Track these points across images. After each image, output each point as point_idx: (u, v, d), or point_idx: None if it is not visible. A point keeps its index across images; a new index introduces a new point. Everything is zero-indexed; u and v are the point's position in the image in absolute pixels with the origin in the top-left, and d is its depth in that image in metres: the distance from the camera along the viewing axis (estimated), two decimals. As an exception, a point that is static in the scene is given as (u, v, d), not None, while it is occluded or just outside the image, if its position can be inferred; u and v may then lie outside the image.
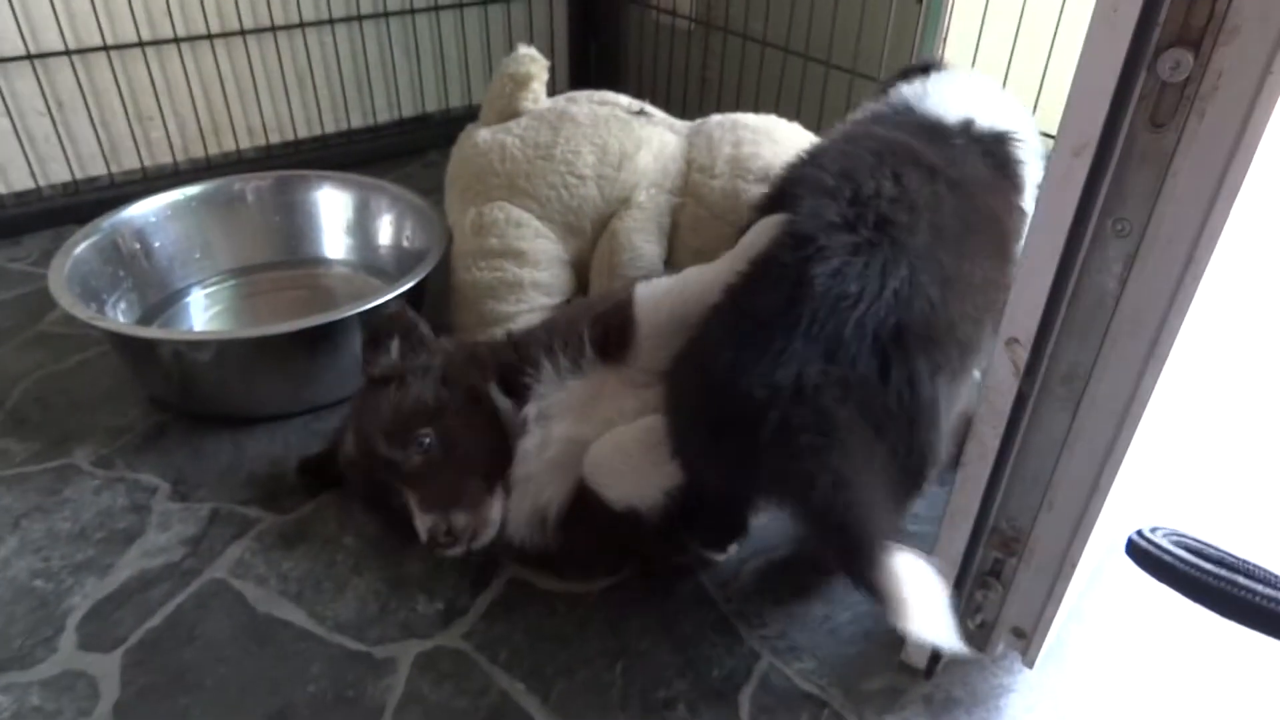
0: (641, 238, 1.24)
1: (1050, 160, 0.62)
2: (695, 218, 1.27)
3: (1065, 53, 1.29)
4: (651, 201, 1.26)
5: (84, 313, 1.16)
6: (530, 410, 0.96)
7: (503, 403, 0.98)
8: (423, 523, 0.92)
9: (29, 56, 1.62)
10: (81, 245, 1.29)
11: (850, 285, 0.76)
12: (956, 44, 1.51)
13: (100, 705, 0.86)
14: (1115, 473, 0.70)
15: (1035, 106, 1.30)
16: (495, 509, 0.94)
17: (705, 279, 0.92)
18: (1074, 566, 0.76)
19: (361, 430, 0.99)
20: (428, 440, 0.94)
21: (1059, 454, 0.72)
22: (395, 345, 1.04)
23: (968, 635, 0.84)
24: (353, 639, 0.93)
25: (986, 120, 1.06)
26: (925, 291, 0.77)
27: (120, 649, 0.92)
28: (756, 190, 1.25)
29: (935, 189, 0.87)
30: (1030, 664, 0.83)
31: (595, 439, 0.91)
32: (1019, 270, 0.67)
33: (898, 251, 0.78)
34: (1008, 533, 0.78)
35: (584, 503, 0.93)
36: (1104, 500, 0.72)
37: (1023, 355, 0.68)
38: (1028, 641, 0.82)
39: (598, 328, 0.96)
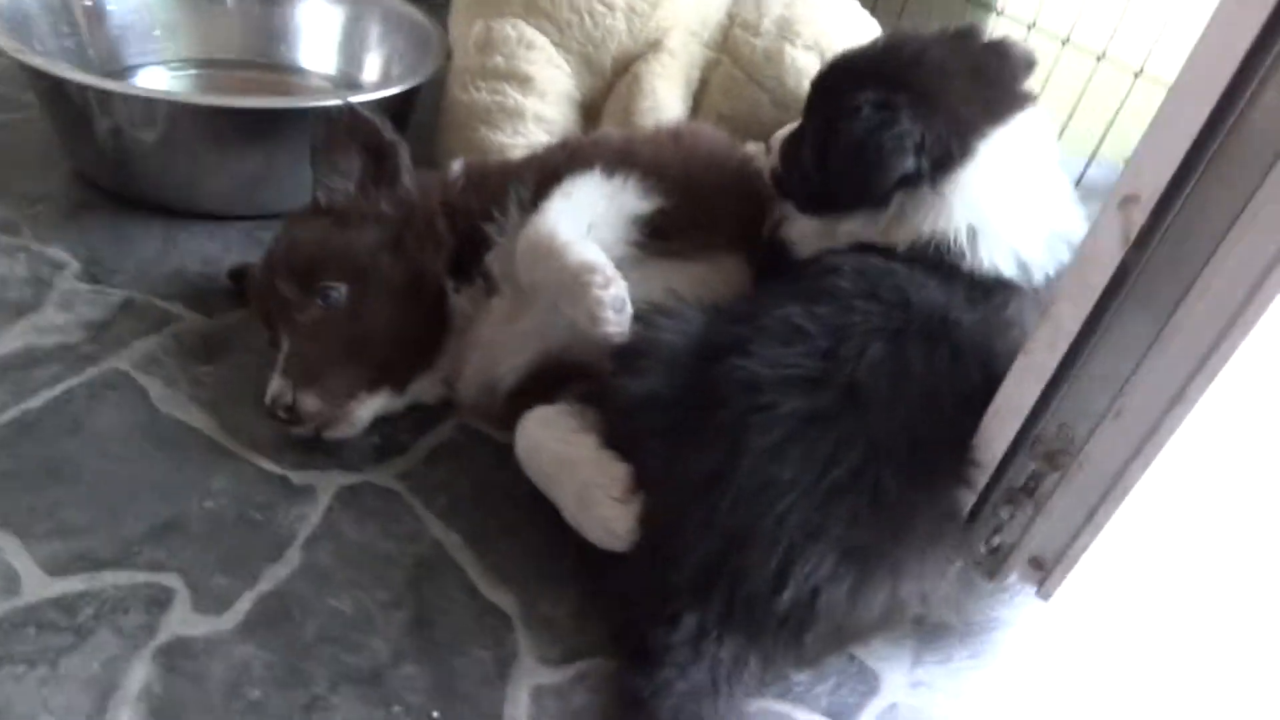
0: (666, 87, 1.09)
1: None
2: (729, 78, 1.12)
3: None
4: (684, 49, 1.11)
5: (8, 43, 0.98)
6: (493, 264, 0.82)
7: (455, 301, 0.83)
8: (271, 384, 0.78)
9: None
10: (21, -18, 1.10)
11: (784, 470, 0.62)
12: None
13: (-51, 482, 0.71)
14: (1209, 381, 0.58)
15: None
16: (366, 408, 0.80)
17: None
18: (1127, 491, 0.65)
19: (272, 252, 0.84)
20: (334, 295, 0.79)
21: (1147, 349, 0.60)
22: (358, 167, 0.85)
23: (978, 559, 0.74)
24: (268, 459, 0.79)
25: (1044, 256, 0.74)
26: (871, 489, 0.63)
27: (-14, 424, 0.77)
28: (804, 58, 1.11)
29: (939, 356, 0.67)
30: (1047, 597, 0.72)
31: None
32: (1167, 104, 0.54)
33: (856, 430, 0.64)
34: (1055, 443, 0.67)
35: (540, 379, 0.80)
36: (1185, 414, 0.60)
37: (1139, 218, 0.56)
38: (1046, 573, 0.72)
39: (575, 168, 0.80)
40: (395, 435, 0.84)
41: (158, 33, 1.27)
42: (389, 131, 0.85)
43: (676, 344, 0.70)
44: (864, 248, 0.76)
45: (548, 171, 0.81)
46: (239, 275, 0.95)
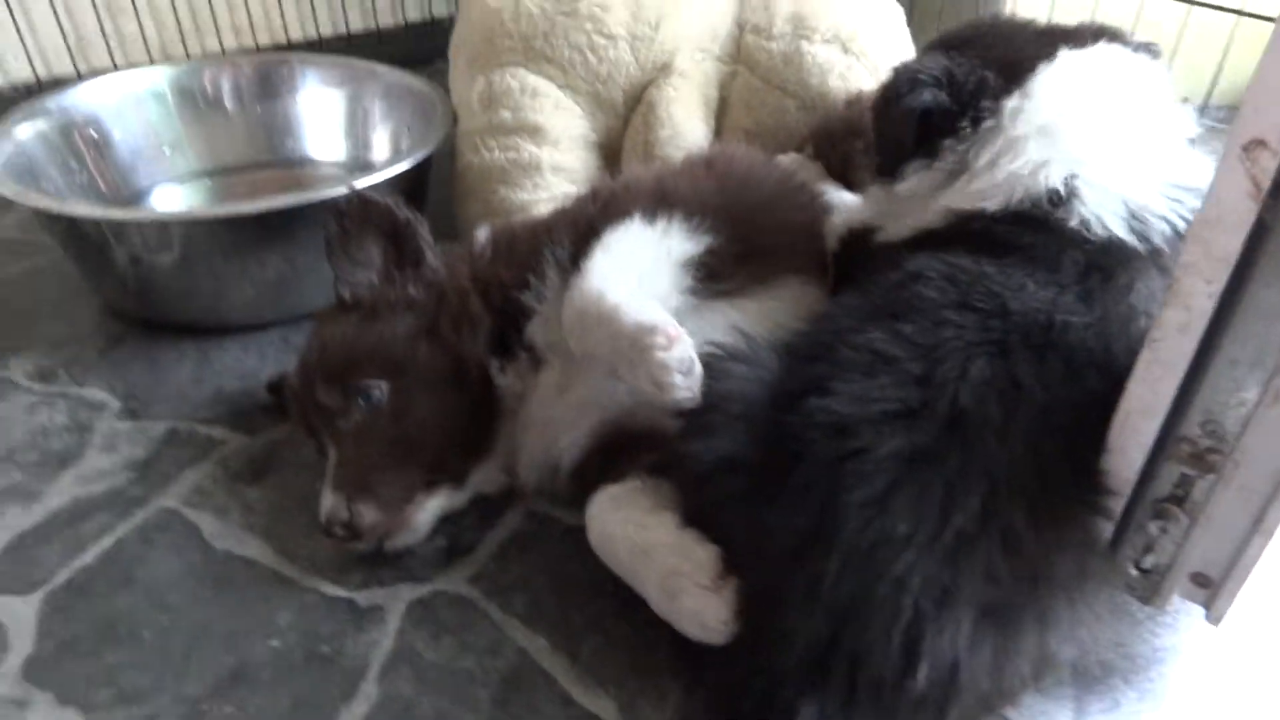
0: (684, 111, 1.02)
1: None
2: (748, 88, 1.05)
3: None
4: (696, 68, 1.04)
5: (12, 189, 0.96)
6: (536, 335, 0.76)
7: (501, 381, 0.77)
8: (324, 500, 0.73)
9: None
10: (22, 127, 1.09)
11: (895, 524, 0.54)
12: None
13: (8, 660, 0.68)
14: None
15: None
16: (427, 510, 0.75)
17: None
18: (1300, 484, 0.55)
19: (305, 358, 0.79)
20: (376, 395, 0.74)
21: (1303, 318, 0.51)
22: (378, 254, 0.81)
23: (1131, 583, 0.64)
24: (331, 582, 0.74)
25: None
26: (1001, 533, 0.54)
27: (40, 591, 0.73)
28: (825, 53, 1.03)
29: (1049, 367, 0.58)
30: (1217, 620, 0.62)
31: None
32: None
33: (971, 465, 0.55)
34: (1202, 441, 0.57)
35: (603, 452, 0.74)
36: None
37: (1269, 164, 0.47)
38: (1213, 591, 0.62)
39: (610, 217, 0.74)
40: (460, 535, 0.78)
41: (166, 150, 1.26)
42: (403, 210, 0.80)
43: (748, 393, 0.63)
44: (952, 239, 0.67)
45: (581, 226, 0.75)
46: (277, 387, 0.91)
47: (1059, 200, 0.64)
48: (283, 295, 1.04)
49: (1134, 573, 0.64)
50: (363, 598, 0.73)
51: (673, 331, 0.62)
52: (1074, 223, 0.64)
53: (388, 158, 1.25)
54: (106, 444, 0.89)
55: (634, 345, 0.62)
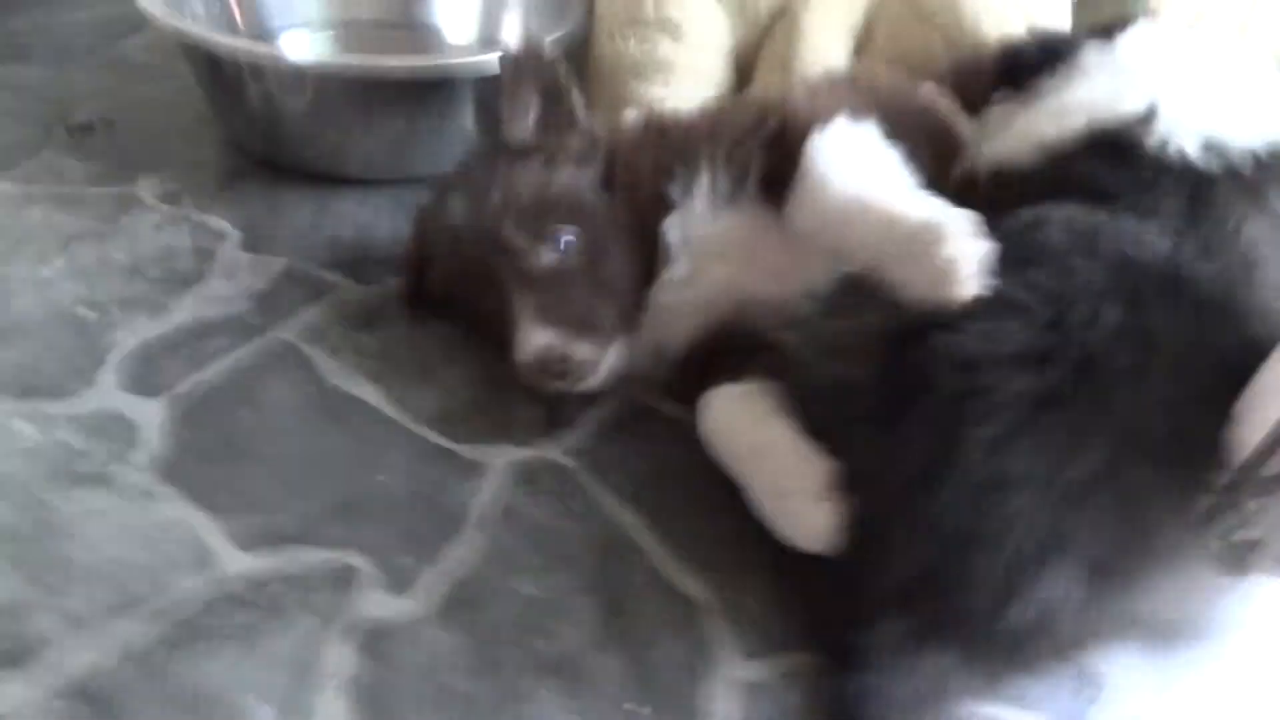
0: (827, 31, 1.01)
1: None
2: (896, 18, 1.03)
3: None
4: (846, -11, 1.02)
5: (165, 15, 0.98)
6: (672, 231, 0.77)
7: (672, 235, 0.77)
8: (533, 338, 0.72)
9: None
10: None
11: (1013, 465, 0.54)
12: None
13: (136, 454, 0.72)
14: None
15: None
16: (616, 354, 0.76)
17: (883, 218, 0.64)
18: None
19: (483, 203, 0.78)
20: (570, 241, 0.75)
21: None
22: (534, 109, 0.82)
23: (1217, 554, 0.66)
24: (436, 433, 0.77)
25: None
26: (1118, 490, 0.54)
27: (165, 395, 0.77)
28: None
29: (1188, 317, 0.58)
30: (1299, 598, 0.64)
31: (752, 289, 0.73)
32: None
33: (1098, 417, 0.55)
34: (1327, 428, 0.58)
35: (709, 349, 0.76)
36: None
37: None
38: (1303, 572, 0.63)
39: (771, 154, 0.74)
40: (562, 409, 0.81)
41: (300, -7, 1.26)
42: (566, 69, 0.81)
43: (870, 320, 0.64)
44: (1055, 186, 0.68)
45: (760, 129, 0.74)
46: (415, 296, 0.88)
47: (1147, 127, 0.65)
48: (399, 156, 1.06)
49: (1219, 544, 0.66)
50: (465, 450, 0.76)
51: (964, 223, 0.60)
52: (1163, 153, 0.64)
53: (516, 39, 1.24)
54: (227, 271, 0.92)
55: (916, 239, 0.60)
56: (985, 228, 0.66)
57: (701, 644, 0.62)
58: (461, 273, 0.80)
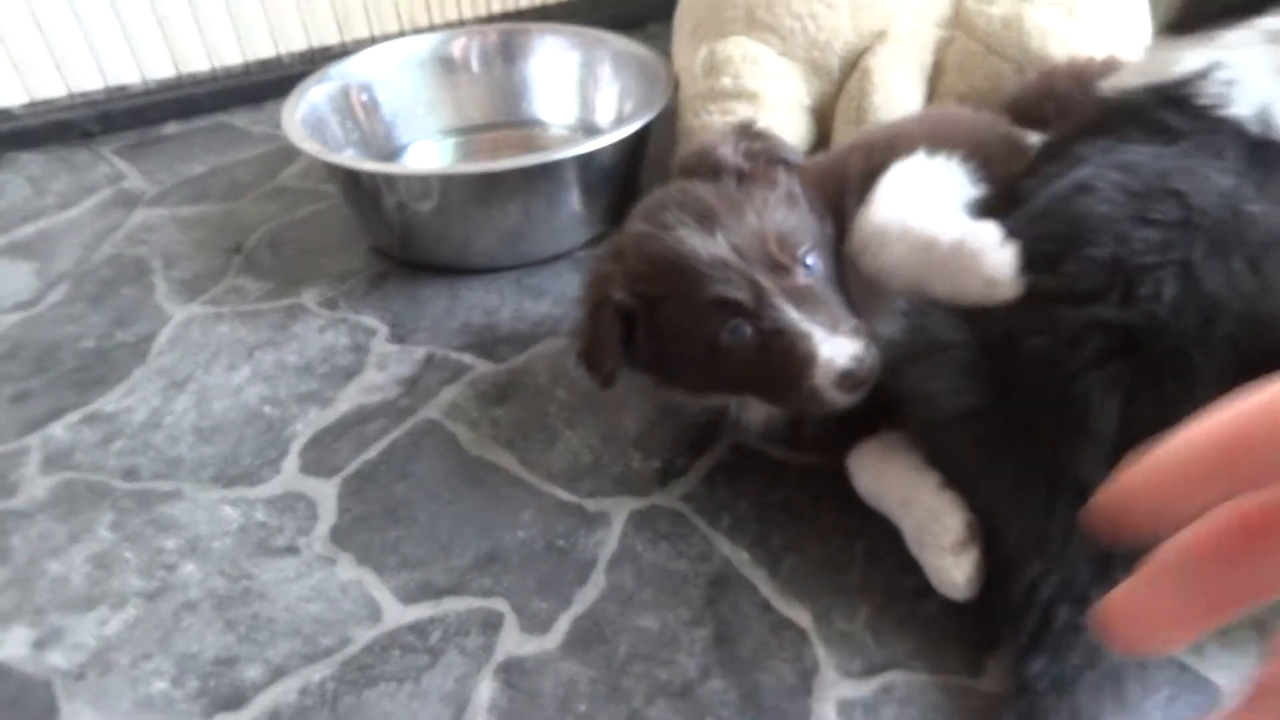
0: (899, 76, 1.06)
1: None
2: (965, 54, 1.07)
3: None
4: (913, 35, 1.07)
5: (313, 147, 1.15)
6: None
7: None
8: (842, 348, 0.69)
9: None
10: (314, 88, 1.28)
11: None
12: None
13: (318, 526, 0.85)
14: None
15: None
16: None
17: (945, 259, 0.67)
18: None
19: (739, 232, 0.75)
20: (814, 261, 0.76)
21: None
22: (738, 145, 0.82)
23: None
24: (564, 490, 0.87)
25: None
26: None
27: (338, 476, 0.90)
28: (1047, 17, 1.03)
29: (1236, 271, 0.59)
30: None
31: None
32: None
33: (1185, 396, 0.57)
34: None
35: None
36: None
37: None
38: None
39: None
40: (673, 460, 0.88)
41: (420, 111, 1.43)
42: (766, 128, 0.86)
43: (953, 338, 0.68)
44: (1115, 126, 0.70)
45: (862, 170, 0.80)
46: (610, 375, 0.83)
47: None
48: (518, 243, 1.18)
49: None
50: (591, 504, 0.85)
51: (995, 231, 0.65)
52: (1224, 109, 0.65)
53: (612, 120, 1.36)
54: (380, 363, 1.06)
55: (959, 252, 0.65)
56: (1029, 191, 0.69)
57: (804, 666, 0.67)
58: (704, 310, 0.75)
